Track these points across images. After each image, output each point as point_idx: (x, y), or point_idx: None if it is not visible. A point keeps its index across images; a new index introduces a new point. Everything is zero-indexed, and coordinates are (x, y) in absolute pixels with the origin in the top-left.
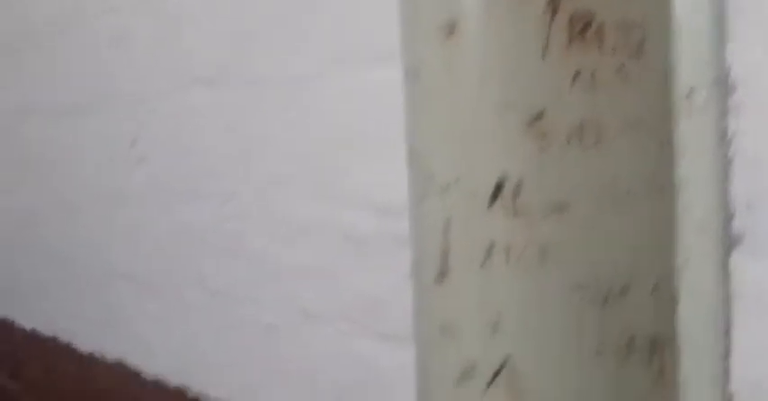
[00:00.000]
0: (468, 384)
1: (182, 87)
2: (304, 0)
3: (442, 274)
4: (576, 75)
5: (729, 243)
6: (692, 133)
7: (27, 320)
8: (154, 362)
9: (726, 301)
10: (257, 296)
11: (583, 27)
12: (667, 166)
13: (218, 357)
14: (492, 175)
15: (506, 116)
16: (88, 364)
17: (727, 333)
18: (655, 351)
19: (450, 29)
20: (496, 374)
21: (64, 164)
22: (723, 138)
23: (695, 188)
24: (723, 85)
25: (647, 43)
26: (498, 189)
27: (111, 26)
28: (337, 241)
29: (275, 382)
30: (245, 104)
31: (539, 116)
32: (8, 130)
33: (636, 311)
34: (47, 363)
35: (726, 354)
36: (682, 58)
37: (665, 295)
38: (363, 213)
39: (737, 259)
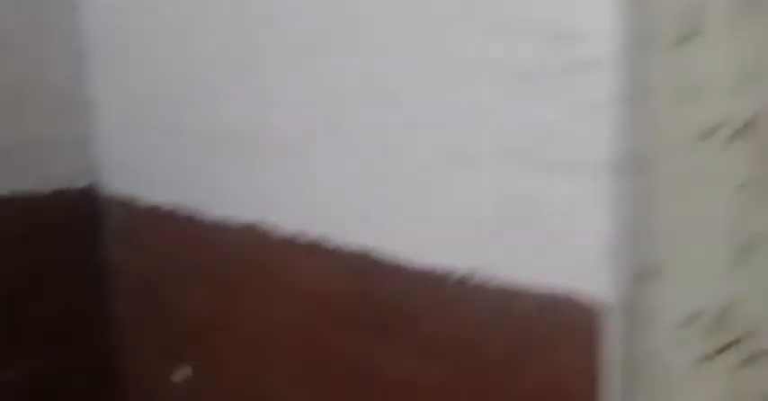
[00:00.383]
0: (709, 141)
1: None
2: None
3: (692, 33)
4: None
5: None
6: None
7: (149, 195)
8: (287, 222)
9: None
10: (406, 143)
11: None
12: None
13: (361, 208)
14: None
15: None
16: (216, 232)
17: None
18: None
19: None
20: (745, 128)
21: (190, 35)
22: None
23: None
24: None
25: None
26: None
27: None
28: (500, 76)
29: (431, 229)
30: None
31: None
32: (135, 6)
33: None
34: (172, 235)
35: None
36: None
37: None
38: (531, 42)
39: None
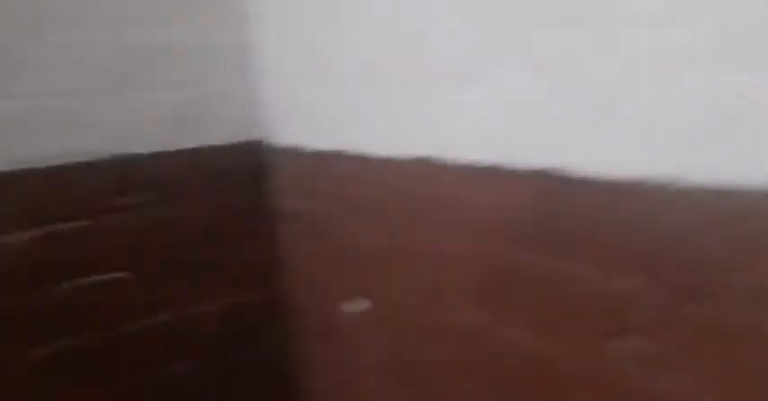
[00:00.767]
0: None
1: None
2: None
3: None
4: None
5: None
6: None
7: (316, 143)
8: (461, 152)
9: None
10: (595, 56)
11: None
12: None
13: (544, 127)
14: None
15: None
16: (386, 169)
17: None
18: None
19: None
20: None
21: None
22: None
23: None
24: None
25: None
26: None
27: None
28: None
29: (625, 138)
30: None
31: None
32: None
33: None
34: (340, 178)
35: None
36: None
37: None
38: None
39: None
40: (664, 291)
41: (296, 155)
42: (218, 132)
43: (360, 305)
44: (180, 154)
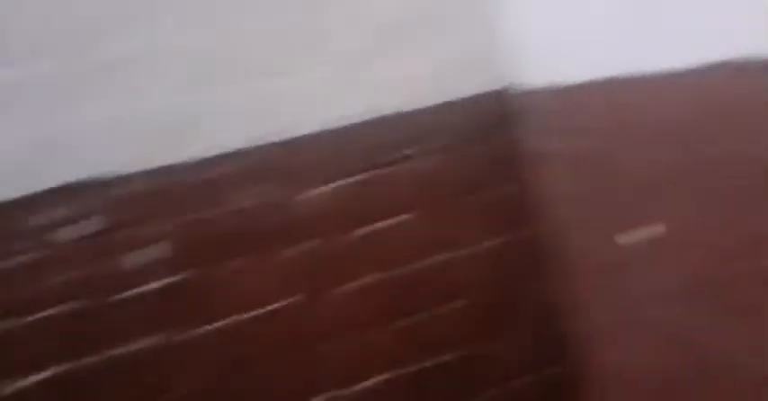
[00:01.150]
0: None
1: None
2: None
3: None
4: None
5: None
6: None
7: (571, 78)
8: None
9: None
10: None
11: None
12: None
13: None
14: None
15: None
16: (664, 83)
17: None
18: None
19: None
20: None
21: None
22: None
23: None
24: None
25: None
26: None
27: None
28: None
29: None
30: None
31: None
32: None
33: None
34: (607, 107)
35: None
36: None
37: None
38: None
39: None
40: None
41: (549, 95)
42: (470, 83)
43: (643, 233)
44: (438, 108)
